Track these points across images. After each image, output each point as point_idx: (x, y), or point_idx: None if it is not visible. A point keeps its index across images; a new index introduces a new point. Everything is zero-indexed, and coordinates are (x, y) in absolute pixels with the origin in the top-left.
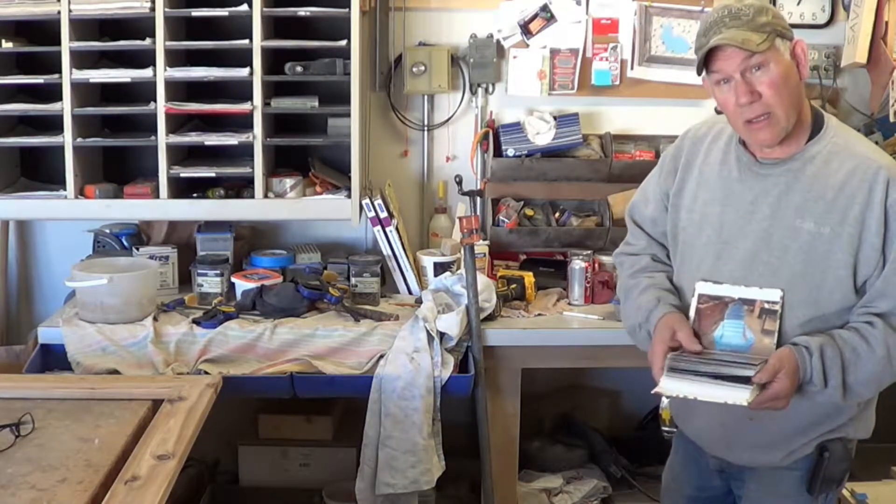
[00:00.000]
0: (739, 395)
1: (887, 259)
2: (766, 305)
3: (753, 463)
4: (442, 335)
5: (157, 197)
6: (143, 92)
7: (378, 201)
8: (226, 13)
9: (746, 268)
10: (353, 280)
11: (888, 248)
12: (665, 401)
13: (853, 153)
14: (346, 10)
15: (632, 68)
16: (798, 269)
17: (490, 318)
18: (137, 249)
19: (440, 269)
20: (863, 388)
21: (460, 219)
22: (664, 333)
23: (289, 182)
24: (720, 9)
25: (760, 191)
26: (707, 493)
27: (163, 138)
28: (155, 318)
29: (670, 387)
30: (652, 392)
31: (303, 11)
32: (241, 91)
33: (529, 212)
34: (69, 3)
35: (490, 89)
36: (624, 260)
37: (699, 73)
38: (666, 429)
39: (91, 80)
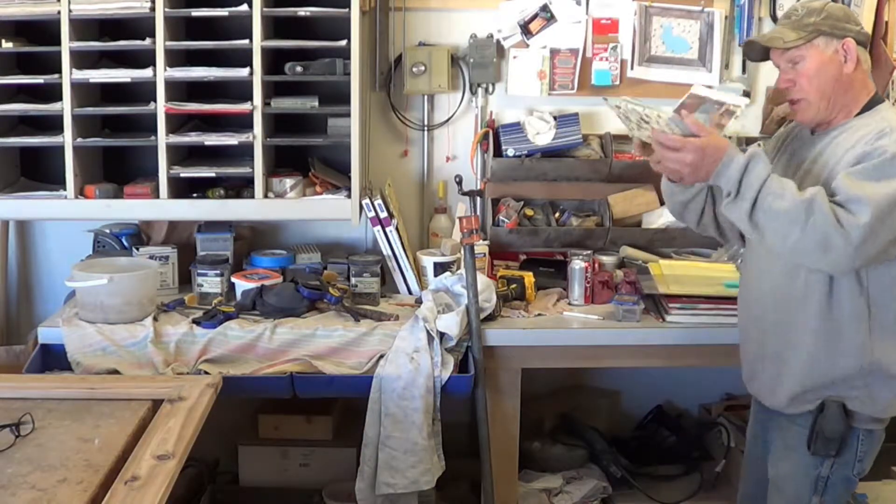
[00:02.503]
0: (661, 114)
1: (851, 171)
2: (731, 107)
3: (766, 401)
4: (442, 335)
5: (157, 197)
6: (143, 92)
7: (378, 201)
8: (226, 13)
9: None
10: (353, 280)
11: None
12: None
13: (882, 120)
14: (346, 10)
15: (632, 68)
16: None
17: (490, 318)
18: (137, 249)
19: (440, 269)
20: (769, 218)
21: (460, 219)
22: None
23: (289, 182)
24: (790, 7)
25: (803, 157)
26: (762, 440)
27: (163, 138)
28: (155, 318)
29: (614, 99)
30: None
31: (303, 11)
32: (241, 91)
33: (529, 212)
34: (69, 3)
35: (490, 89)
36: None
37: (754, 61)
38: None
39: (91, 80)
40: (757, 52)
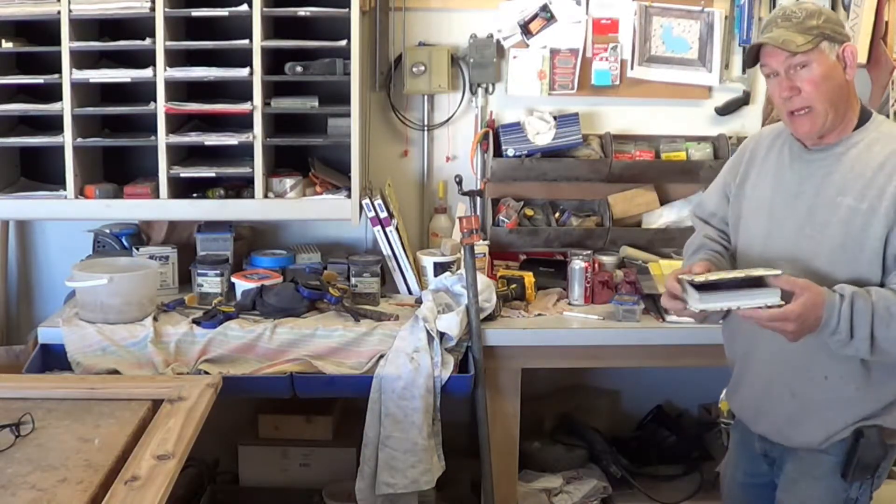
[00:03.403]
0: (772, 298)
1: None
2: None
3: (791, 442)
4: (442, 335)
5: (157, 197)
6: (143, 92)
7: (378, 201)
8: (226, 13)
9: (793, 243)
10: (353, 280)
11: None
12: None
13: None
14: (346, 10)
15: (632, 68)
16: (838, 241)
17: (490, 318)
18: (137, 249)
19: (440, 269)
20: (890, 345)
21: (460, 219)
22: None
23: (289, 182)
24: (779, 9)
25: (807, 174)
26: (756, 479)
27: (163, 138)
28: (155, 318)
29: (705, 305)
30: (690, 307)
31: (303, 11)
32: (241, 91)
33: (529, 212)
34: (69, 3)
35: (490, 89)
36: (686, 247)
37: (747, 66)
38: (723, 420)
39: (91, 80)
40: (751, 57)
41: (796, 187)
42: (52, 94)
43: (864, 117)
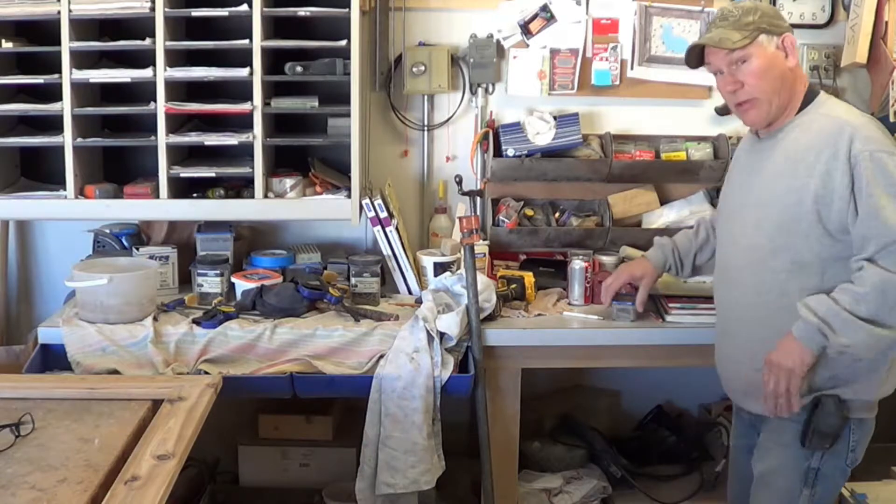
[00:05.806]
0: None
1: (859, 207)
2: None
3: (764, 412)
4: (442, 335)
5: (157, 197)
6: (143, 92)
7: (378, 201)
8: (226, 13)
9: (742, 223)
10: (353, 280)
11: (858, 197)
12: None
13: (829, 116)
14: (346, 10)
15: (632, 68)
16: (776, 219)
17: (490, 318)
18: (137, 249)
19: (440, 269)
20: (882, 314)
21: (460, 219)
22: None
23: (289, 182)
24: (718, 10)
25: (756, 160)
26: (750, 442)
27: (163, 138)
28: (155, 318)
29: None
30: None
31: (303, 11)
32: (241, 91)
33: (529, 212)
34: (69, 3)
35: (490, 89)
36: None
37: (691, 67)
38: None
39: (91, 80)
40: (695, 58)
41: (747, 177)
42: (52, 94)
43: (808, 99)
